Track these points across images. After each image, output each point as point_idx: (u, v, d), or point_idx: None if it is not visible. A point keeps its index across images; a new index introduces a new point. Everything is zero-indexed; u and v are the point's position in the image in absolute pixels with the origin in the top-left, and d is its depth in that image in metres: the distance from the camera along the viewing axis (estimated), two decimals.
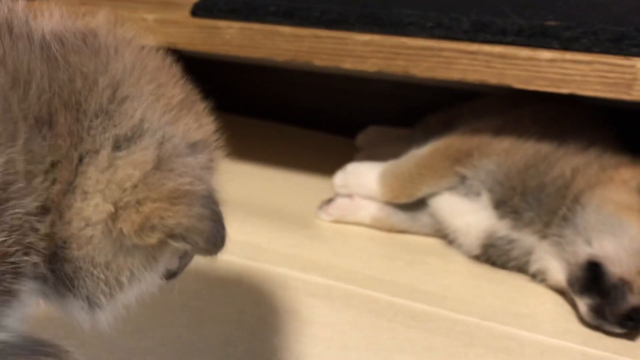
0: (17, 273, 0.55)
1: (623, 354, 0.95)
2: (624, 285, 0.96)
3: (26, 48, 0.56)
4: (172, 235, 0.57)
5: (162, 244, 0.58)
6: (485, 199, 1.17)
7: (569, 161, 1.12)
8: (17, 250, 0.54)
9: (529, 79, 1.08)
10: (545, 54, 1.07)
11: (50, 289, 0.60)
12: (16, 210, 0.53)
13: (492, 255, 1.17)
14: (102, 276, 0.60)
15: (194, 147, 0.62)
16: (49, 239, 0.57)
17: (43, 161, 0.55)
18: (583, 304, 1.00)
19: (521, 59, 1.08)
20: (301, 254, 1.18)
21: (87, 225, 0.58)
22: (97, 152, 0.58)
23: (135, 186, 0.58)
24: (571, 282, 1.03)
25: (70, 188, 0.58)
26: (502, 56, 1.09)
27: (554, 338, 0.99)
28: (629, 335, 0.99)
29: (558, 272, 1.06)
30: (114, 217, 0.57)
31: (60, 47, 0.59)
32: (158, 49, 0.66)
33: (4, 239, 0.52)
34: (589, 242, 1.02)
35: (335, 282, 1.10)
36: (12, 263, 0.54)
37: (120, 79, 0.60)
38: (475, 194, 1.19)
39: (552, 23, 1.09)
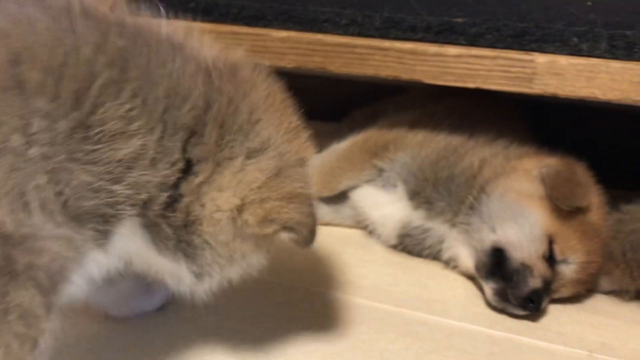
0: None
1: (525, 334, 1.01)
2: (525, 269, 1.02)
3: (192, 71, 0.74)
4: (285, 227, 0.77)
5: (275, 234, 0.78)
6: (400, 191, 1.21)
7: (477, 153, 1.17)
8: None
9: (438, 74, 1.13)
10: (452, 50, 1.11)
11: (171, 251, 0.77)
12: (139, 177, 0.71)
13: (408, 244, 1.21)
14: (220, 251, 0.78)
15: (302, 161, 0.82)
16: (184, 214, 0.75)
17: (172, 156, 0.73)
18: (488, 288, 1.05)
19: (430, 55, 1.12)
20: None
21: (217, 210, 0.76)
22: (233, 159, 0.77)
23: (260, 187, 0.76)
24: (478, 267, 1.08)
25: (209, 181, 0.76)
26: (412, 52, 1.13)
27: (462, 322, 1.03)
28: (531, 317, 1.04)
29: (467, 259, 1.11)
30: (240, 209, 0.76)
31: (217, 75, 0.76)
32: (280, 87, 0.85)
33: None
34: (493, 229, 1.07)
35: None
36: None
37: (256, 106, 0.79)
38: (391, 185, 1.23)
39: (460, 20, 1.13)
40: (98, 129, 0.68)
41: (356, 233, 1.31)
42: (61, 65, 0.66)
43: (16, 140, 0.64)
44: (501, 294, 1.03)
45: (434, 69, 1.13)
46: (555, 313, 1.06)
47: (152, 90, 0.71)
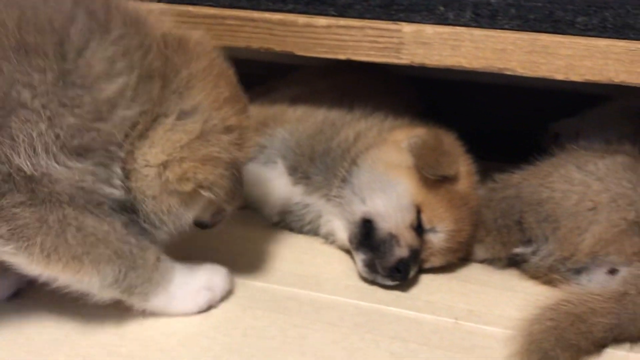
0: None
1: (393, 304, 1.00)
2: (392, 239, 1.01)
3: (148, 38, 0.86)
4: (201, 187, 0.86)
5: (194, 192, 0.87)
6: (280, 167, 1.19)
7: (353, 126, 1.16)
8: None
9: (309, 45, 1.11)
10: (322, 21, 1.09)
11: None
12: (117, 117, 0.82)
13: (290, 221, 1.20)
14: (149, 206, 0.87)
15: (228, 128, 0.89)
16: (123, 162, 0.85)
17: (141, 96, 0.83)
18: (359, 260, 1.04)
19: (300, 26, 1.10)
20: None
21: (146, 165, 0.85)
22: (167, 116, 0.86)
23: (182, 147, 0.85)
24: (350, 239, 1.07)
25: (144, 135, 0.85)
26: (282, 23, 1.11)
27: (333, 295, 1.02)
28: (402, 287, 1.04)
29: (342, 232, 1.10)
30: (165, 165, 0.85)
31: (168, 44, 0.88)
32: (226, 59, 0.96)
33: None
34: (363, 201, 1.06)
35: None
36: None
37: (194, 74, 0.89)
38: (272, 162, 1.21)
39: None
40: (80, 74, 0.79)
41: (243, 212, 1.28)
42: (47, 22, 0.78)
43: (26, 94, 0.77)
44: (370, 265, 1.02)
45: (304, 41, 1.11)
46: (427, 282, 1.06)
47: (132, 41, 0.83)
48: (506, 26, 1.03)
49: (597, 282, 1.01)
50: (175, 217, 0.90)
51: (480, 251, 1.13)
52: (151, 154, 0.85)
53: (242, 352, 0.88)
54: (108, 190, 0.84)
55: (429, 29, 1.05)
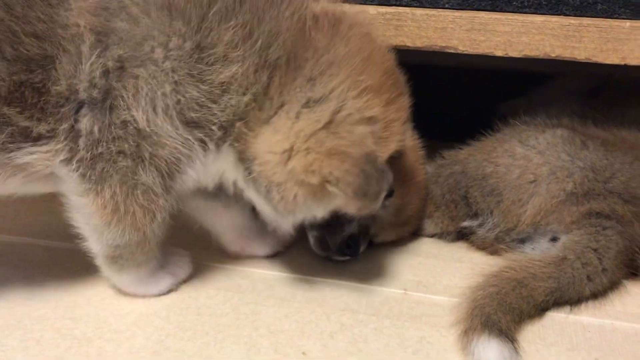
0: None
1: (345, 279, 1.03)
2: (341, 215, 1.03)
3: (285, 16, 0.83)
4: (327, 181, 0.82)
5: (322, 185, 0.83)
6: None
7: None
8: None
9: None
10: None
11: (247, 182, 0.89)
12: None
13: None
14: (275, 193, 0.86)
15: (367, 119, 0.83)
16: (244, 146, 0.86)
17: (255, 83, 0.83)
18: (311, 237, 1.06)
19: None
20: None
21: (269, 152, 0.84)
22: (293, 104, 0.84)
23: (306, 136, 0.82)
24: None
25: (269, 121, 0.84)
26: None
27: (286, 272, 1.04)
28: (354, 262, 1.06)
29: None
30: (289, 154, 0.83)
31: (313, 23, 0.85)
32: (385, 47, 0.91)
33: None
34: None
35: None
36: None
37: (335, 61, 0.84)
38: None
39: None
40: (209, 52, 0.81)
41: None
42: None
43: (159, 53, 0.80)
44: (322, 242, 1.04)
45: None
46: (378, 257, 1.09)
47: (259, 26, 0.82)
48: (446, 5, 1.06)
49: (540, 251, 1.05)
50: (305, 208, 0.87)
51: (429, 226, 1.16)
52: (273, 141, 0.84)
53: (195, 330, 0.90)
54: (189, 168, 0.86)
55: (372, 10, 1.07)
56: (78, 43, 0.80)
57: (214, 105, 0.83)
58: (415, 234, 1.17)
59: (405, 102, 0.91)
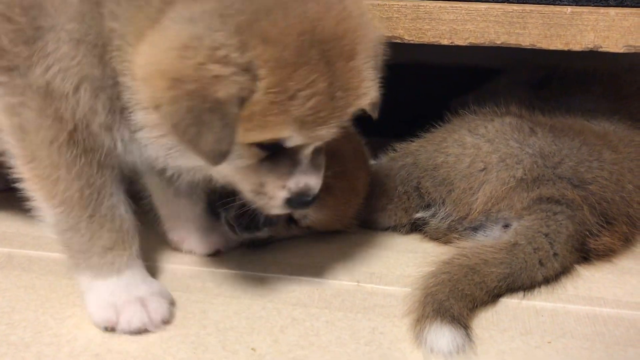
0: None
1: (296, 274, 1.00)
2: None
3: None
4: (156, 105, 0.74)
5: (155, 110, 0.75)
6: None
7: None
8: None
9: None
10: None
11: None
12: None
13: None
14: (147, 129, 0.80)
15: (240, 66, 0.73)
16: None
17: None
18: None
19: None
20: None
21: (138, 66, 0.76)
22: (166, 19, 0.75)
23: (160, 55, 0.75)
24: None
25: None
26: None
27: (235, 269, 1.01)
28: (305, 257, 1.05)
29: None
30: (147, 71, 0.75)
31: None
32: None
33: None
34: None
35: None
36: None
37: None
38: None
39: None
40: None
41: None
42: None
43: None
44: (226, 221, 1.02)
45: None
46: (330, 251, 1.07)
47: None
48: None
49: (493, 238, 1.04)
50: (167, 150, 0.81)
51: (383, 219, 1.15)
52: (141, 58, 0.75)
53: None
54: None
55: None
56: None
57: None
58: (369, 227, 1.15)
59: (323, 88, 0.76)
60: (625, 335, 0.87)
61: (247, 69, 0.72)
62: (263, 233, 1.03)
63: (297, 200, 0.84)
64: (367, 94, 0.82)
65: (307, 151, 0.83)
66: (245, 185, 0.85)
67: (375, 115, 0.89)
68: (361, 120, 0.92)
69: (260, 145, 0.79)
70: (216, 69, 0.71)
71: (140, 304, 0.87)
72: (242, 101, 0.73)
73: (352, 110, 0.81)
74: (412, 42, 1.06)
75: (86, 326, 0.87)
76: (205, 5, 0.74)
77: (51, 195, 0.83)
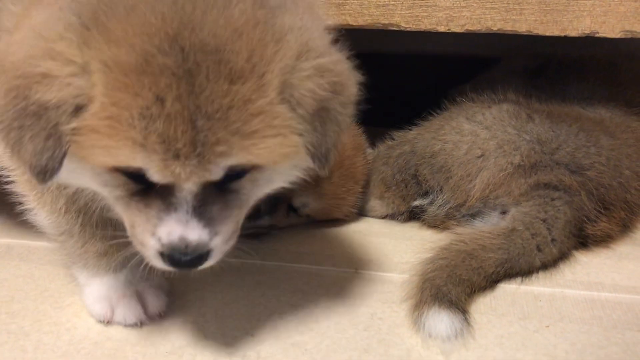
0: None
1: (296, 262, 1.01)
2: None
3: None
4: None
5: None
6: None
7: None
8: None
9: None
10: None
11: None
12: None
13: None
14: None
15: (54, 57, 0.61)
16: None
17: None
18: None
19: None
20: None
21: None
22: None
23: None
24: None
25: None
26: None
27: (234, 258, 1.01)
28: (304, 246, 1.05)
29: None
30: None
31: None
32: None
33: None
34: None
35: None
36: None
37: None
38: None
39: None
40: None
41: None
42: None
43: None
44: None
45: None
46: (329, 239, 1.08)
47: None
48: None
49: (491, 225, 1.04)
50: None
51: (381, 207, 1.15)
52: None
53: None
54: None
55: None
56: None
57: None
58: (368, 215, 1.16)
59: (177, 110, 0.59)
60: (623, 319, 0.88)
61: (86, 71, 0.59)
62: (264, 221, 1.03)
63: (172, 257, 0.67)
64: (264, 142, 0.61)
65: (185, 193, 0.65)
66: (125, 222, 0.71)
67: (323, 172, 0.71)
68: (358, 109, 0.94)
69: (125, 173, 0.64)
70: (47, 65, 0.59)
71: (137, 298, 0.86)
72: (78, 109, 0.60)
73: (227, 152, 0.61)
74: (408, 29, 1.06)
75: (85, 315, 0.87)
76: None
77: (41, 205, 0.82)
